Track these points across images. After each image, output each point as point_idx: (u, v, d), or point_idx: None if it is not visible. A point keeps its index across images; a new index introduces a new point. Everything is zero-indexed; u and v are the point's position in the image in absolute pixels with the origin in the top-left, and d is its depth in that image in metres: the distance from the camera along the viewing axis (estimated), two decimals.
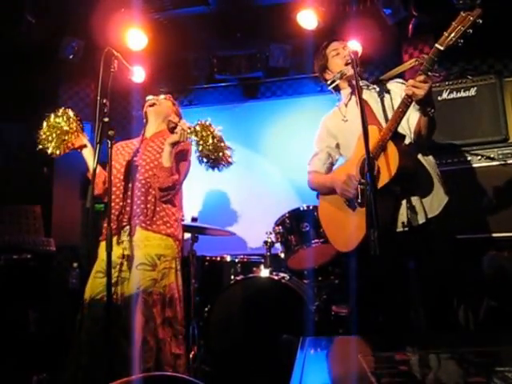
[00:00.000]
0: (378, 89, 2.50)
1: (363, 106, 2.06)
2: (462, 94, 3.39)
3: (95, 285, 2.30)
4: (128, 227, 2.39)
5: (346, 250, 2.42)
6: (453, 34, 1.98)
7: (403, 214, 2.28)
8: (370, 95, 2.49)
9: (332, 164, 2.70)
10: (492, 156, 3.24)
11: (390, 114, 2.38)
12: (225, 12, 4.34)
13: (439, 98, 3.43)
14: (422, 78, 2.03)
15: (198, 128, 2.33)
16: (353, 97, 2.55)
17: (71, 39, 4.34)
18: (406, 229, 2.27)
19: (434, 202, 2.31)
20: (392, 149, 2.17)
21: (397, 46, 4.31)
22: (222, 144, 2.35)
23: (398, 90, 2.43)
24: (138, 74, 2.87)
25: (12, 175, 4.35)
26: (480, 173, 3.23)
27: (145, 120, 2.77)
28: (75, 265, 4.28)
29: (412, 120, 2.33)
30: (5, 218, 3.75)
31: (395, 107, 2.27)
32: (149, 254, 2.34)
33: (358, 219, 2.34)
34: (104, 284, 2.15)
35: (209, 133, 2.31)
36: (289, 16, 4.05)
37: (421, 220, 2.27)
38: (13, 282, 3.60)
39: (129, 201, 2.43)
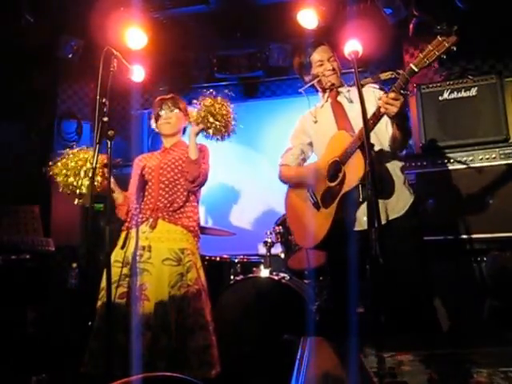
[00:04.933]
0: (354, 93, 2.52)
1: (364, 107, 2.01)
2: (463, 93, 3.38)
3: (114, 274, 2.33)
4: (151, 219, 2.48)
5: (303, 245, 2.58)
6: (428, 57, 2.03)
7: (364, 215, 2.27)
8: (345, 99, 2.55)
9: (304, 160, 2.77)
10: (493, 156, 3.23)
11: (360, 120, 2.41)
12: (225, 11, 4.34)
13: (440, 98, 3.42)
14: (393, 95, 2.08)
15: (205, 114, 2.43)
16: (329, 100, 2.60)
17: (70, 38, 4.34)
18: (362, 228, 2.28)
19: (399, 203, 2.34)
20: (359, 157, 2.20)
21: (397, 45, 4.31)
22: (229, 118, 2.46)
23: (370, 96, 2.45)
24: (138, 74, 2.85)
25: (11, 175, 4.33)
26: (481, 173, 3.22)
27: (161, 135, 2.80)
28: (74, 265, 4.28)
29: (390, 127, 2.37)
30: (3, 218, 3.74)
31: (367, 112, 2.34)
32: (172, 248, 2.43)
33: (320, 219, 2.41)
34: (118, 274, 2.34)
35: (216, 115, 2.41)
36: (289, 15, 4.04)
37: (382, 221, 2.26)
38: (11, 282, 3.59)
39: (152, 199, 2.54)
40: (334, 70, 2.56)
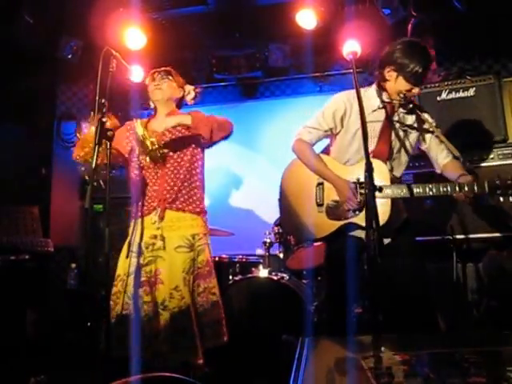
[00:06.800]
0: (413, 115, 2.44)
1: (364, 118, 1.98)
2: (461, 94, 3.39)
3: (130, 264, 2.41)
4: (158, 209, 2.48)
5: (289, 234, 2.68)
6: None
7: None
8: (405, 119, 2.44)
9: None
10: (491, 156, 3.24)
11: (402, 147, 2.44)
12: (224, 12, 4.35)
13: (438, 99, 3.43)
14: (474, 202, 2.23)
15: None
16: (384, 109, 2.39)
17: (70, 39, 4.34)
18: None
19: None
20: (388, 205, 2.23)
21: None
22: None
23: (418, 123, 2.45)
24: (137, 74, 2.85)
25: (11, 175, 4.34)
26: (479, 173, 3.22)
27: (153, 108, 2.73)
28: (73, 265, 4.28)
29: (438, 157, 2.50)
30: (3, 219, 3.74)
31: (410, 142, 2.43)
32: (184, 235, 2.45)
33: (319, 220, 2.41)
34: (135, 264, 2.39)
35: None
36: (288, 16, 4.05)
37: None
38: (11, 283, 3.59)
39: (156, 187, 2.52)
40: (414, 97, 2.38)
